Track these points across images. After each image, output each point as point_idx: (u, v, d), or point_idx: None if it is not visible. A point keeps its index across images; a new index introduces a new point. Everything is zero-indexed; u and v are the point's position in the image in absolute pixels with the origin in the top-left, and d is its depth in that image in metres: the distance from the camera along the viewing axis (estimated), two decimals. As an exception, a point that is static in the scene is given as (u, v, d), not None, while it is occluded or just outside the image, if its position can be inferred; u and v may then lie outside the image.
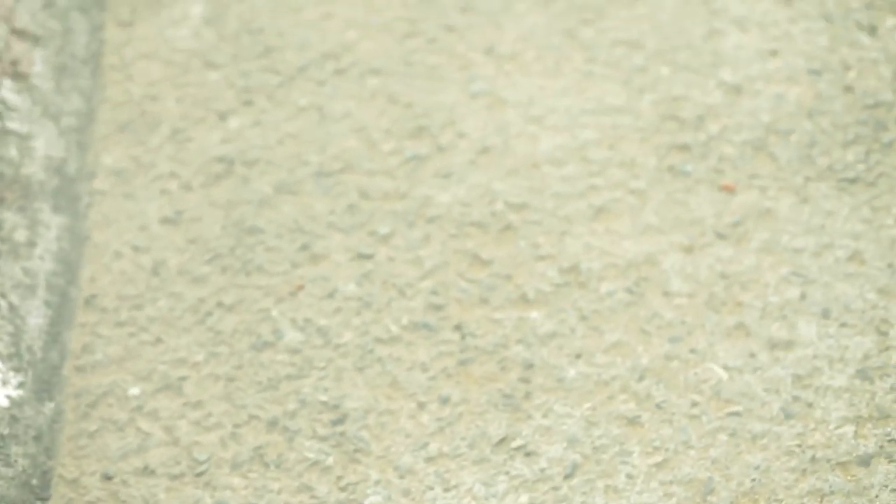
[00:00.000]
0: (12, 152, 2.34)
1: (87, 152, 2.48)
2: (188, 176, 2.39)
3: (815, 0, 2.61)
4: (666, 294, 2.10)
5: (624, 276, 2.13)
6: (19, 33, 2.59)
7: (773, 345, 2.01)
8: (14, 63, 2.51)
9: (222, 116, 2.51)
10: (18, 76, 2.50)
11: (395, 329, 2.10)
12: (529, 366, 2.02)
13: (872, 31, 2.52)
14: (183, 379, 2.07)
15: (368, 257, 2.21)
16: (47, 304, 2.18)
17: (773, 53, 2.50)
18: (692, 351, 2.02)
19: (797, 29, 2.55)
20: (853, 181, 2.24)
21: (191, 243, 2.28)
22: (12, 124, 2.40)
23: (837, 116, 2.35)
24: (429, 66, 2.56)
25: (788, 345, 2.00)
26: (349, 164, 2.38)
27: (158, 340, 2.13)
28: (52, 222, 2.30)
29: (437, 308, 2.12)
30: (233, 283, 2.20)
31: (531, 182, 2.30)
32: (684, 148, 2.33)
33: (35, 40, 2.60)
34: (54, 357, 2.12)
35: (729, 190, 2.25)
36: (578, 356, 2.03)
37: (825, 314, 2.04)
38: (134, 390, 2.06)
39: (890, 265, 2.10)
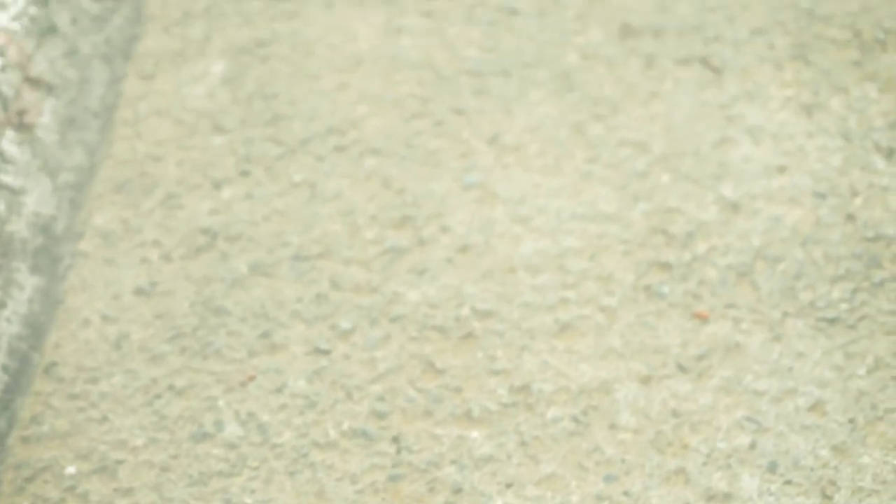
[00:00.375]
0: (0, 207, 2.37)
1: (80, 211, 2.50)
2: (170, 246, 2.40)
3: (838, 114, 2.50)
4: (612, 427, 2.04)
5: (574, 403, 2.07)
6: (33, 82, 2.62)
7: (709, 496, 1.93)
8: (21, 113, 2.54)
9: (217, 185, 2.50)
10: (23, 127, 2.53)
11: (333, 434, 2.07)
12: (458, 490, 1.98)
13: (890, 154, 2.41)
14: (119, 462, 2.07)
15: (325, 353, 2.19)
16: (5, 368, 2.19)
17: (781, 170, 2.41)
18: (625, 493, 1.95)
19: (812, 145, 2.45)
20: (833, 321, 2.15)
21: (157, 318, 2.28)
22: (6, 178, 2.42)
23: (832, 247, 2.26)
24: (429, 150, 2.52)
25: (726, 498, 1.93)
26: (328, 250, 2.35)
27: (105, 418, 2.13)
28: (28, 283, 2.32)
29: (380, 416, 2.09)
30: (188, 365, 2.19)
31: (503, 288, 2.25)
32: (666, 267, 2.26)
33: (48, 89, 2.63)
34: (2, 425, 2.14)
35: (702, 318, 2.17)
36: (509, 485, 1.98)
37: (772, 468, 1.96)
38: (71, 469, 2.07)
39: (851, 420, 2.01)
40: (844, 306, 2.16)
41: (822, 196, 2.35)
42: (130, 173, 2.55)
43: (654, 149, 2.47)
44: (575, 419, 2.05)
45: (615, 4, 2.83)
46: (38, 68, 2.64)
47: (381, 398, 2.11)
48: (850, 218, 2.31)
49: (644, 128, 2.51)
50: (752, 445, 1.99)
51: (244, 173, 2.52)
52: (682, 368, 2.10)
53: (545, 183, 2.43)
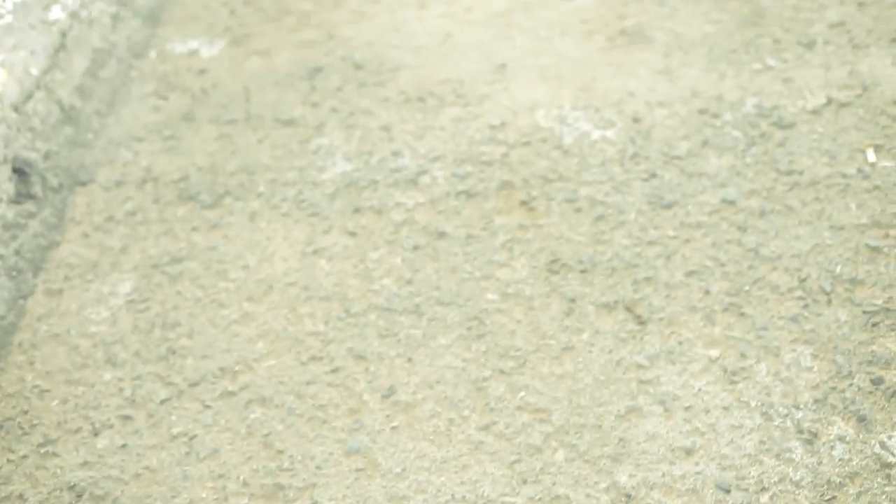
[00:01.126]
0: None
1: (-50, 454, 2.38)
2: (33, 503, 2.27)
3: (762, 384, 2.29)
4: None
5: None
6: (-76, 307, 2.52)
7: None
8: None
9: (96, 431, 2.37)
10: None
11: None
12: None
13: (811, 439, 2.19)
14: None
15: None
16: None
17: (688, 453, 2.20)
18: None
19: (727, 422, 2.24)
20: None
21: (1, 593, 2.15)
22: None
23: (724, 558, 2.05)
24: (319, 404, 2.36)
25: None
26: (190, 521, 2.21)
27: None
28: None
29: None
30: None
31: (361, 585, 2.08)
32: (539, 571, 2.07)
33: (-60, 314, 2.53)
34: None
35: None
36: None
37: None
38: None
39: None
40: None
41: (725, 490, 2.14)
42: (13, 410, 2.43)
43: (554, 417, 2.28)
44: None
45: (549, 232, 2.65)
46: (-68, 290, 2.54)
47: None
48: (751, 520, 2.09)
49: (549, 390, 2.33)
50: None
51: (125, 418, 2.39)
52: None
53: (431, 454, 2.25)
